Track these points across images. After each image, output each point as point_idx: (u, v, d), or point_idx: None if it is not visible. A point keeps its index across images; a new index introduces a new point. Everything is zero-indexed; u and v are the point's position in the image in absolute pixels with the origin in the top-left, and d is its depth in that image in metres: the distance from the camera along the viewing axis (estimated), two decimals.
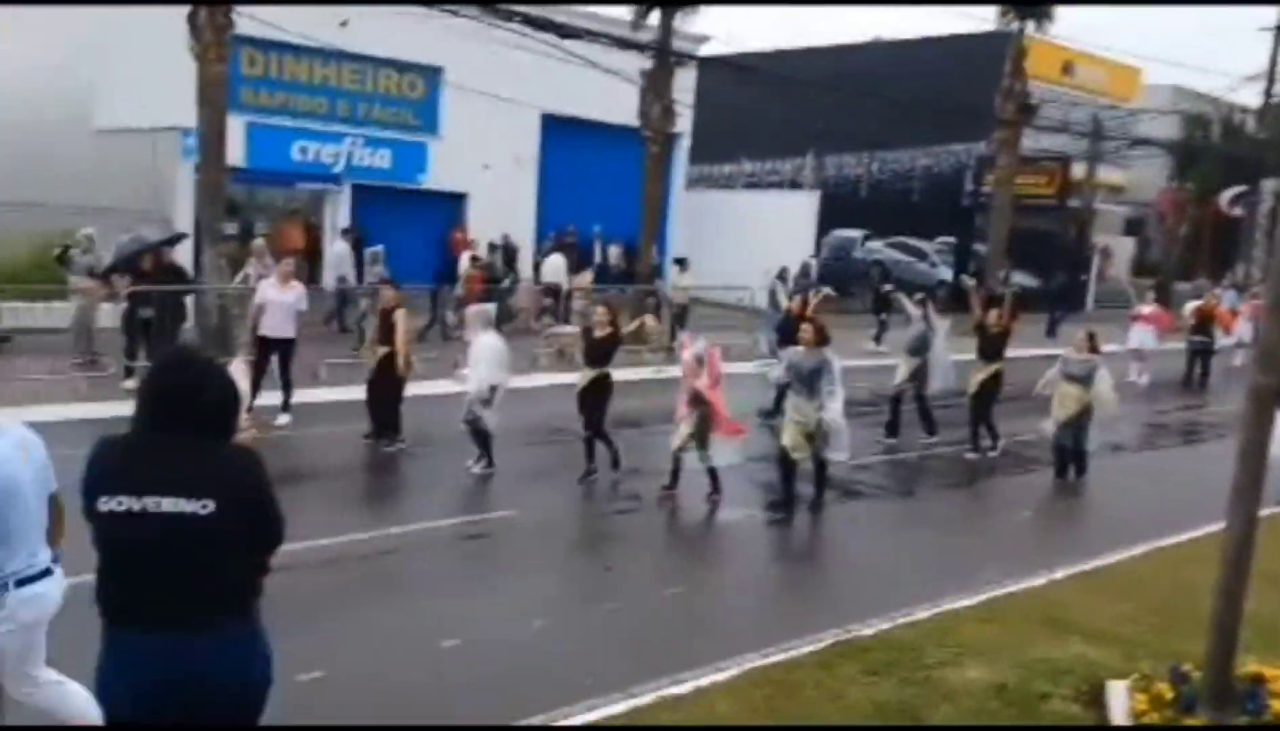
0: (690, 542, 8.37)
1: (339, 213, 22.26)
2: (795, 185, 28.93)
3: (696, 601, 7.04)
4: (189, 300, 13.44)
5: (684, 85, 22.95)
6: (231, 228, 17.49)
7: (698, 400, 8.76)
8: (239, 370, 9.67)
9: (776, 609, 7.15)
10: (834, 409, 8.49)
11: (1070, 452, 10.54)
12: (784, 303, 13.62)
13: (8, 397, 11.27)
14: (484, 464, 9.53)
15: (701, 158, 29.83)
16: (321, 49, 20.91)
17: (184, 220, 17.30)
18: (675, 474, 9.09)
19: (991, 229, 25.80)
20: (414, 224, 23.31)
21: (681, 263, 19.21)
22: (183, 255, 14.56)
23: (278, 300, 11.13)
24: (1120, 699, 5.11)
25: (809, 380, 8.62)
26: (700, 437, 8.81)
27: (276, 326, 11.08)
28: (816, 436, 8.63)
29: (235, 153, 16.71)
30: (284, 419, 11.04)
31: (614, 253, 24.57)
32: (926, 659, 5.76)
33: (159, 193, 18.48)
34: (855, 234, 30.00)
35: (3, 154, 15.95)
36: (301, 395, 11.49)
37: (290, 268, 11.81)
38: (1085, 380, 10.28)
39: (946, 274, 28.53)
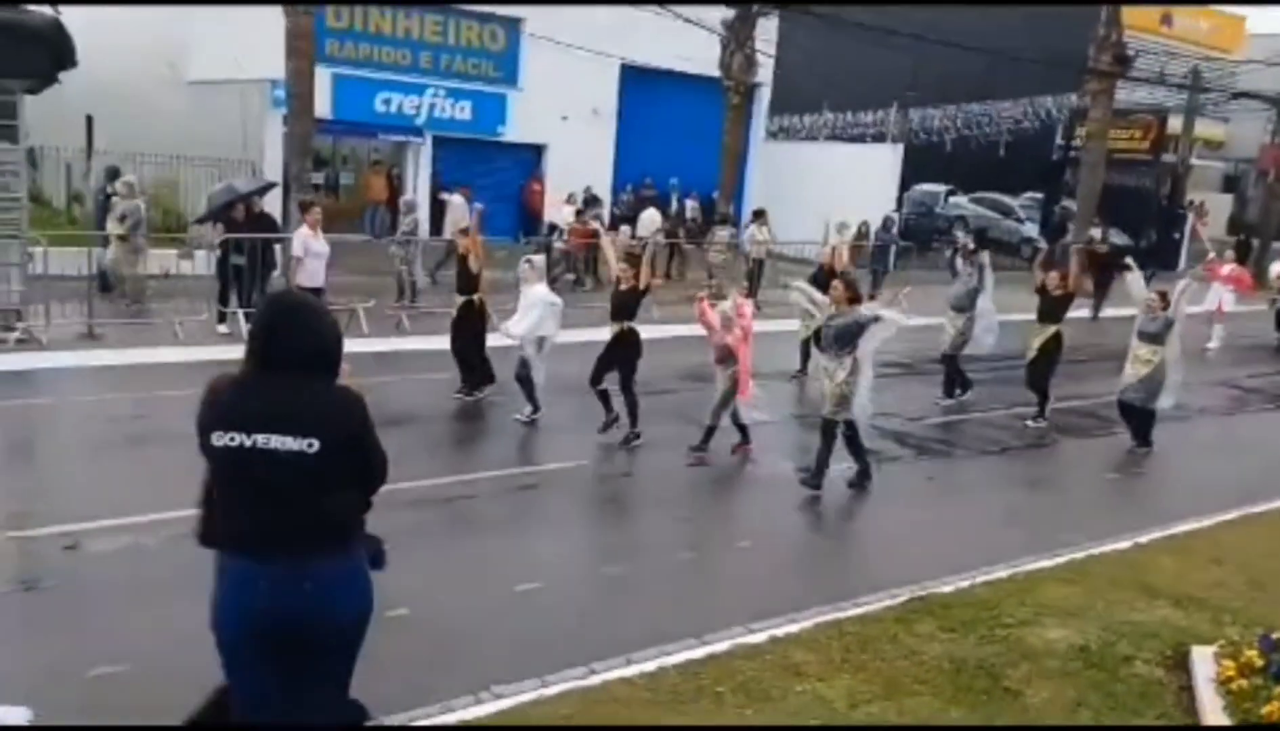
0: (761, 497, 8.37)
1: (420, 164, 22.55)
2: (878, 138, 28.29)
3: (768, 553, 7.07)
4: (278, 248, 13.78)
5: (766, 34, 22.58)
6: (318, 178, 17.85)
7: (727, 356, 8.64)
8: None
9: (848, 563, 7.17)
10: (863, 377, 8.11)
11: (1136, 414, 10.09)
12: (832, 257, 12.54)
13: (113, 341, 11.79)
14: (530, 411, 9.59)
15: (782, 108, 29.37)
16: (405, 1, 21.08)
17: (273, 170, 17.69)
18: (709, 432, 8.90)
19: (1081, 184, 24.97)
20: (492, 175, 23.52)
21: (760, 215, 19.01)
22: (271, 204, 14.95)
23: (316, 249, 11.39)
24: (1206, 664, 5.03)
25: (837, 340, 8.11)
26: (729, 396, 8.74)
27: (314, 275, 11.36)
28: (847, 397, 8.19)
29: (321, 104, 16.99)
30: None
31: (690, 205, 24.45)
32: (1006, 618, 5.74)
33: (249, 143, 18.90)
34: (938, 189, 29.32)
35: (107, 109, 16.44)
36: (386, 344, 11.77)
37: (319, 216, 11.83)
38: (1157, 338, 9.82)
39: (1033, 231, 27.79)
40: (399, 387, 10.43)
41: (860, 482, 8.36)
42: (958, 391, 11.75)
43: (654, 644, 5.23)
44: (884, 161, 26.05)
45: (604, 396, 9.39)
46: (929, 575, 6.37)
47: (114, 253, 13.29)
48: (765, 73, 24.48)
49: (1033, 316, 11.07)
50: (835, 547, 7.70)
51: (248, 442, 3.09)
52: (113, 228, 13.30)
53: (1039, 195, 29.23)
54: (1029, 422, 10.87)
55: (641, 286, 9.23)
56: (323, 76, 17.25)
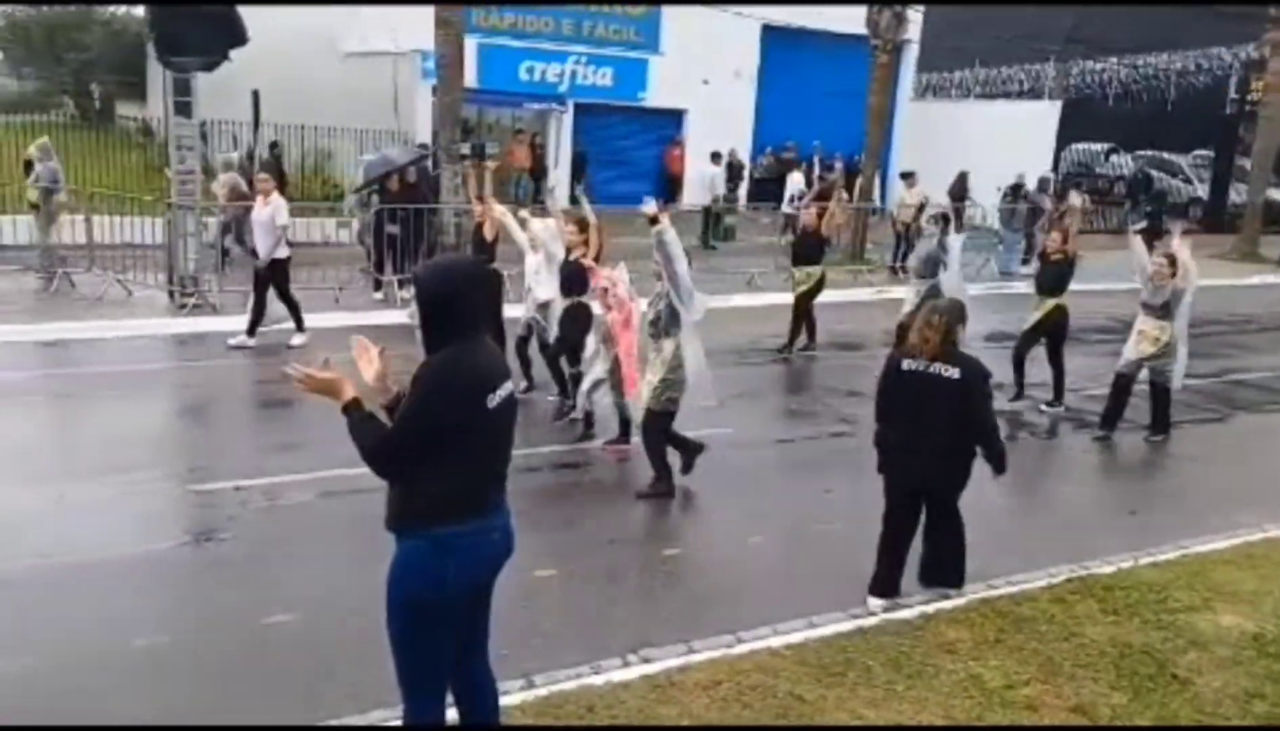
0: None
1: (563, 131, 22.80)
2: (1034, 94, 26.97)
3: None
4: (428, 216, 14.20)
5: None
6: (464, 147, 18.27)
7: (609, 338, 7.60)
8: None
9: (1001, 540, 6.93)
10: None
11: (1152, 394, 8.69)
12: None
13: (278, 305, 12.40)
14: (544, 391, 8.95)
15: (931, 66, 28.35)
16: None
17: (423, 140, 18.21)
18: (588, 418, 8.01)
19: (1258, 141, 23.24)
20: (632, 140, 23.61)
21: (908, 177, 18.45)
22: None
23: (256, 218, 10.68)
24: None
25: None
26: (615, 381, 7.62)
27: (260, 247, 10.63)
28: None
29: (468, 74, 17.33)
30: (299, 339, 10.72)
31: (834, 167, 23.94)
32: (1173, 601, 5.46)
33: (401, 113, 19.49)
34: (1099, 147, 27.80)
35: (268, 81, 17.18)
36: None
37: (269, 184, 10.90)
38: (1163, 311, 8.38)
39: (1203, 191, 26.08)
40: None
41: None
42: None
43: (799, 615, 5.20)
44: (1039, 118, 24.89)
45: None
46: (1087, 554, 6.12)
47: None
48: (914, 29, 23.66)
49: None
50: (984, 523, 7.46)
51: (505, 395, 3.32)
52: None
53: (1209, 153, 27.35)
54: (1043, 407, 9.53)
55: (591, 255, 8.13)
56: (469, 46, 17.59)
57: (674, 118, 24.12)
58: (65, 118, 33.87)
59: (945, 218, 10.69)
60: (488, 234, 9.64)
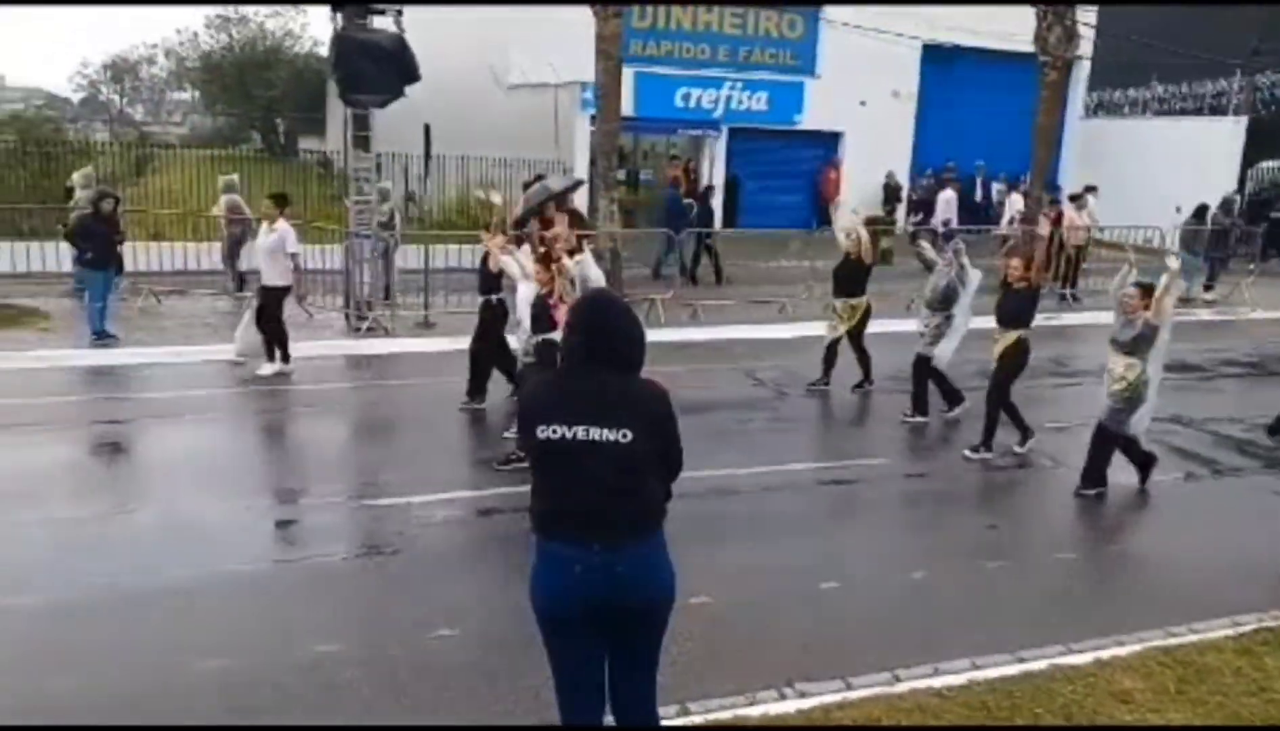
0: (1079, 506, 7.79)
1: (716, 157, 22.95)
2: (1216, 110, 25.43)
3: (1089, 569, 6.61)
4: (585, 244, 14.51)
5: (1087, 4, 20.96)
6: (620, 174, 18.62)
7: None
8: None
9: (1176, 585, 6.53)
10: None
11: (1122, 443, 7.69)
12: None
13: (445, 329, 12.92)
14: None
15: (1103, 83, 27.15)
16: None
17: (580, 168, 18.68)
18: None
19: None
20: (787, 164, 23.52)
21: (1078, 198, 17.70)
22: (579, 201, 15.79)
23: (260, 244, 10.64)
24: None
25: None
26: None
27: (263, 271, 10.61)
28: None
29: (625, 102, 17.69)
30: (268, 369, 10.49)
31: (997, 189, 23.21)
32: None
33: (560, 143, 20.05)
34: None
35: (439, 114, 18.02)
36: (680, 334, 12.05)
37: (273, 209, 10.69)
38: (1134, 348, 7.39)
39: None
40: (694, 377, 10.71)
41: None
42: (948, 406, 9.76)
43: (963, 655, 5.05)
44: (1222, 136, 23.43)
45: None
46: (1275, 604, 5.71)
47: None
48: (1085, 45, 22.73)
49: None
50: (1162, 564, 7.04)
51: (568, 434, 3.33)
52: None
53: None
54: (1015, 448, 8.66)
55: (556, 293, 7.62)
56: (626, 75, 17.96)
57: (830, 140, 23.92)
58: (253, 151, 36.31)
59: (958, 247, 9.85)
60: (491, 265, 9.19)
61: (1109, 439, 7.61)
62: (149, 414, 9.24)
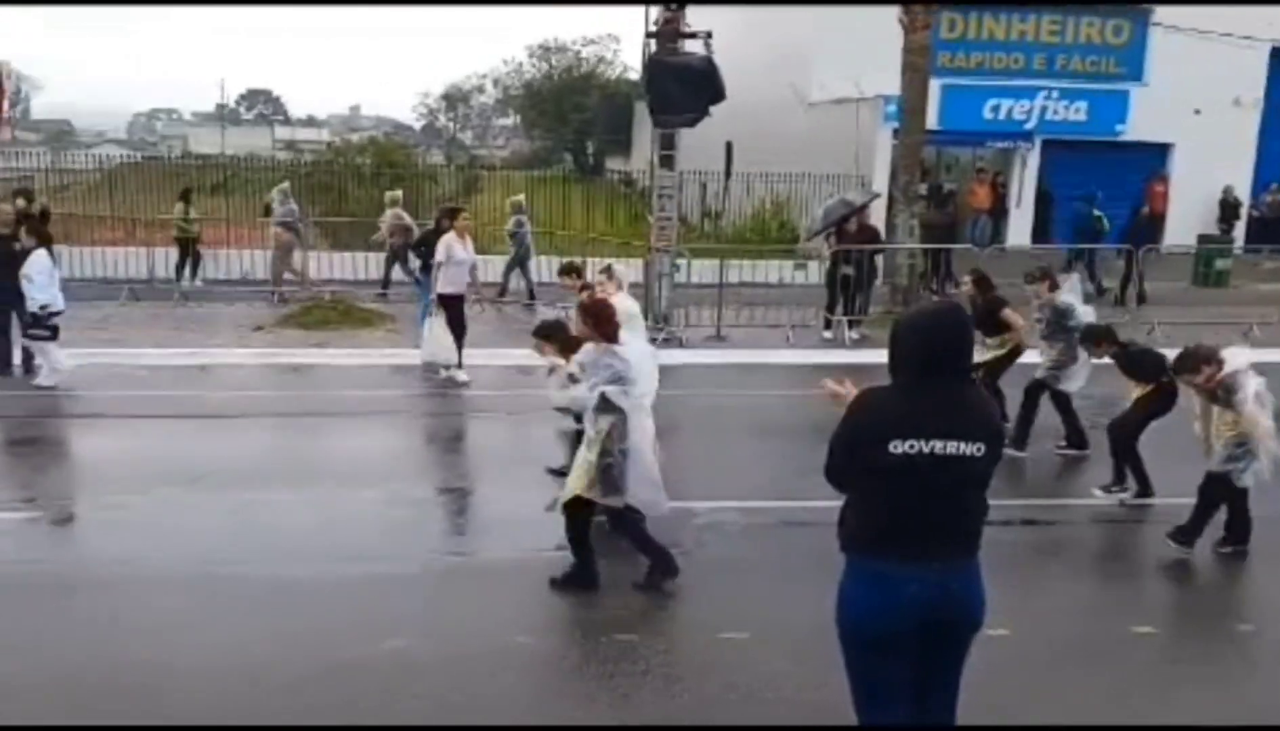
0: None
1: (1027, 170, 21.81)
2: None
3: None
4: (880, 259, 14.29)
5: None
6: (921, 189, 18.17)
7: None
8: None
9: None
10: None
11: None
12: None
13: (736, 342, 13.18)
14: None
15: None
16: (1020, 5, 20.54)
17: (880, 183, 18.41)
18: None
19: None
20: (1106, 178, 21.88)
21: None
22: (875, 216, 15.58)
23: (459, 257, 10.72)
24: None
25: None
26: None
27: (455, 281, 10.80)
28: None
29: (930, 115, 17.26)
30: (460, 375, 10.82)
31: None
32: None
33: (860, 158, 19.87)
34: None
35: (738, 131, 18.40)
36: None
37: (466, 223, 11.19)
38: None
39: None
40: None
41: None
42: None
43: None
44: None
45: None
46: None
47: None
48: None
49: None
50: None
51: (925, 448, 3.20)
52: None
53: None
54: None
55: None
56: (933, 87, 17.52)
57: (1157, 151, 22.04)
58: (564, 172, 38.74)
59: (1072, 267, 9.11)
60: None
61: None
62: (473, 409, 10.16)
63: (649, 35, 12.78)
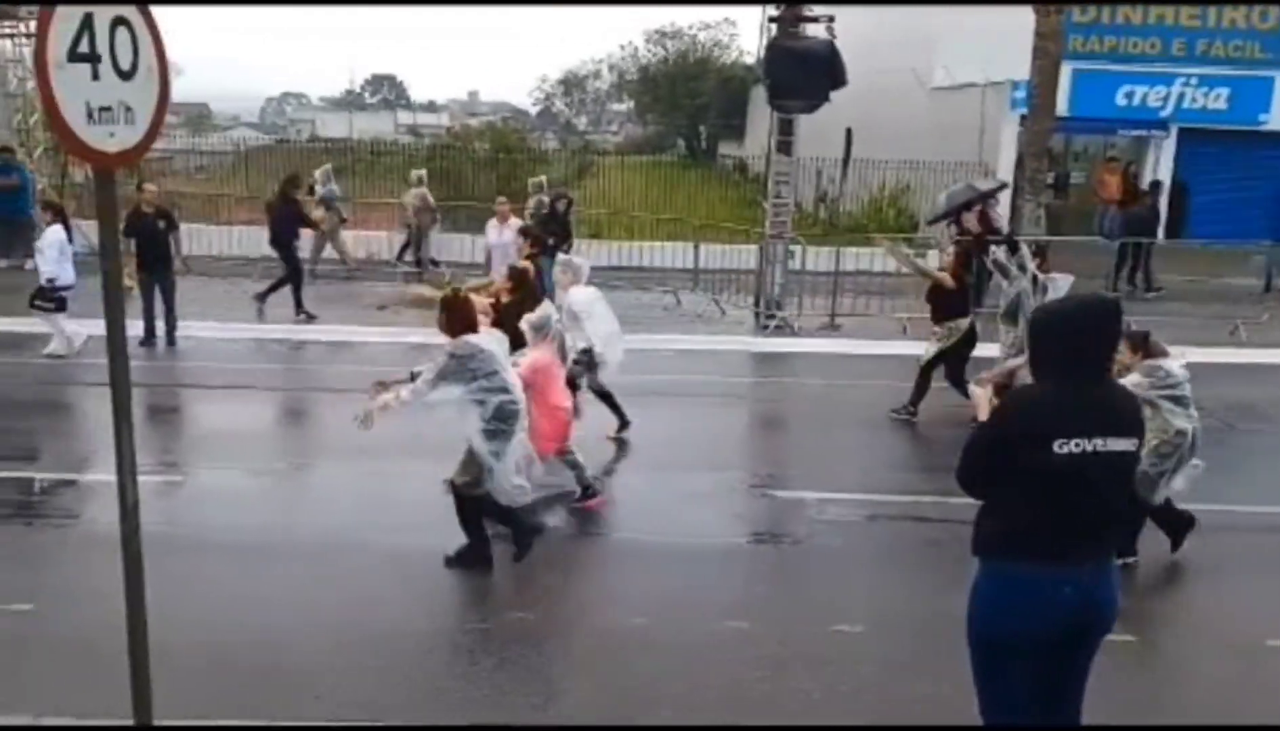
0: None
1: (1161, 159, 20.85)
2: None
3: None
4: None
5: None
6: (1049, 177, 17.53)
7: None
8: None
9: None
10: None
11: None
12: None
13: (850, 331, 12.99)
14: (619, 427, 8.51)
15: None
16: None
17: (1005, 171, 17.87)
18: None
19: None
20: (1246, 170, 20.77)
21: None
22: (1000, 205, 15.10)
23: (495, 242, 11.41)
24: None
25: None
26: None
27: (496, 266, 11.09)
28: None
29: (1059, 101, 16.65)
30: None
31: None
32: None
33: (984, 144, 19.32)
34: None
35: (855, 117, 18.11)
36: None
37: (506, 206, 11.99)
38: None
39: None
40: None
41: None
42: None
43: None
44: None
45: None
46: None
47: None
48: None
49: None
50: None
51: (1089, 447, 3.11)
52: None
53: None
54: None
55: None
56: (1063, 72, 16.88)
57: None
58: (675, 157, 38.72)
59: (1038, 254, 8.81)
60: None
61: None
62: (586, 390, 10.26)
63: (770, 20, 12.65)
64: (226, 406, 9.61)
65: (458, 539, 5.94)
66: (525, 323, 6.76)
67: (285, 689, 4.64)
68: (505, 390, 5.61)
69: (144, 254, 11.04)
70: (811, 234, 16.54)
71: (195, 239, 15.55)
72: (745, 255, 15.17)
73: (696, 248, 15.53)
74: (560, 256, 9.20)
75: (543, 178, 17.23)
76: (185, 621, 4.86)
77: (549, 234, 13.11)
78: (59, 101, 2.92)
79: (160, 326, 11.28)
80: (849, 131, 14.47)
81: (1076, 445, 3.10)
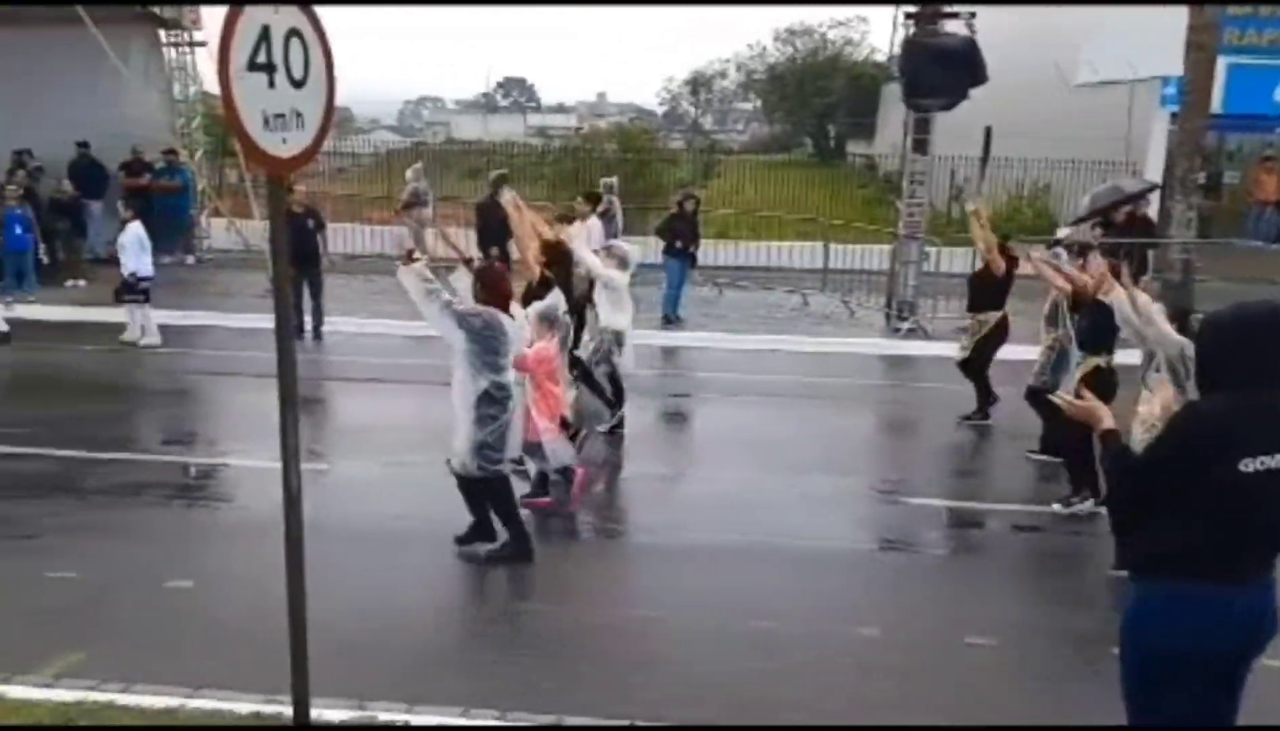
0: None
1: None
2: None
3: None
4: (1150, 254, 13.27)
5: None
6: (1200, 177, 16.68)
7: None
8: None
9: None
10: None
11: None
12: None
13: None
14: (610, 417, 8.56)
15: None
16: None
17: (1154, 170, 17.07)
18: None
19: None
20: None
21: None
22: (1150, 206, 14.47)
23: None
24: None
25: None
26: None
27: None
28: None
29: (1213, 98, 15.80)
30: None
31: None
32: None
33: (1130, 143, 18.49)
34: None
35: (993, 114, 17.52)
36: None
37: (585, 207, 11.06)
38: None
39: None
40: None
41: None
42: None
43: None
44: None
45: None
46: None
47: None
48: None
49: None
50: None
51: (1273, 465, 2.97)
52: None
53: None
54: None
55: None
56: (1219, 67, 15.99)
57: None
58: (803, 156, 38.29)
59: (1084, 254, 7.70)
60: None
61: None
62: (712, 390, 10.32)
63: (908, 16, 12.40)
64: (369, 400, 10.01)
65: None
66: (534, 311, 6.79)
67: (435, 669, 4.82)
68: (497, 372, 5.75)
69: (294, 252, 11.55)
70: (946, 234, 16.14)
71: (340, 238, 16.20)
72: (874, 256, 14.92)
73: (826, 247, 15.33)
74: (609, 242, 9.41)
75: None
76: (334, 605, 5.09)
77: (676, 235, 13.20)
78: (239, 110, 3.10)
79: (307, 321, 11.82)
80: (988, 130, 13.93)
81: (1262, 463, 2.96)
